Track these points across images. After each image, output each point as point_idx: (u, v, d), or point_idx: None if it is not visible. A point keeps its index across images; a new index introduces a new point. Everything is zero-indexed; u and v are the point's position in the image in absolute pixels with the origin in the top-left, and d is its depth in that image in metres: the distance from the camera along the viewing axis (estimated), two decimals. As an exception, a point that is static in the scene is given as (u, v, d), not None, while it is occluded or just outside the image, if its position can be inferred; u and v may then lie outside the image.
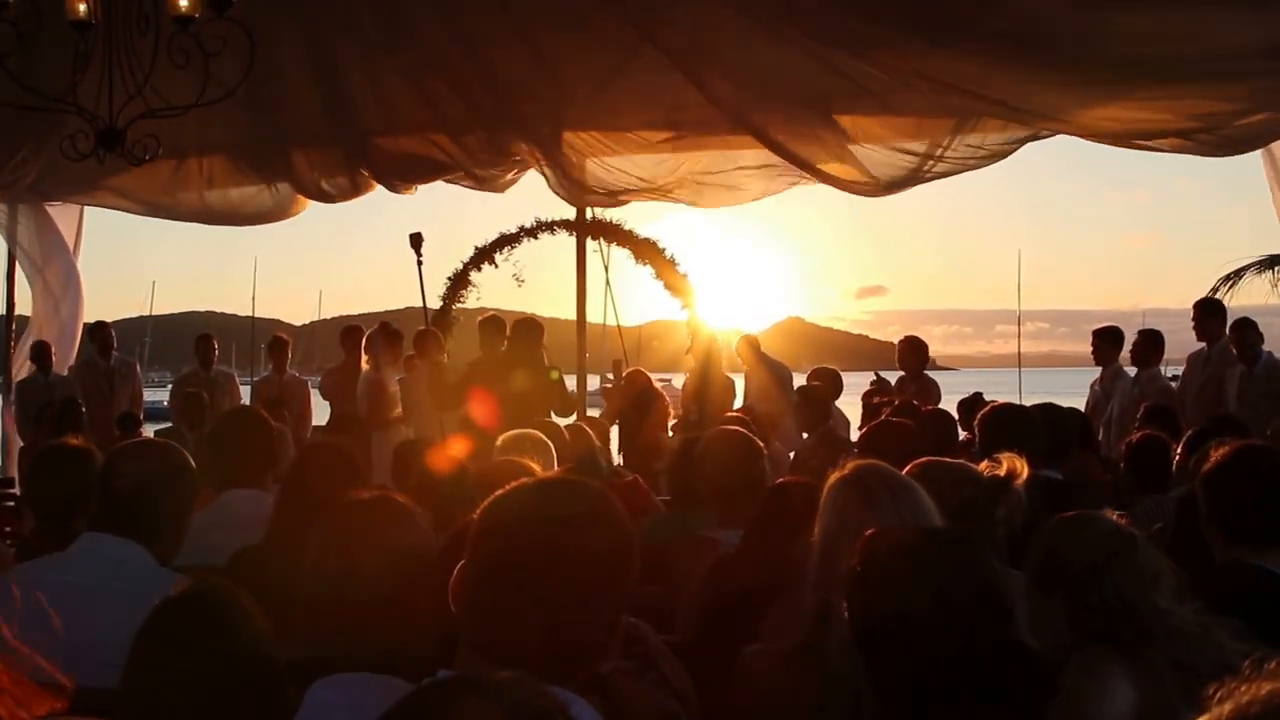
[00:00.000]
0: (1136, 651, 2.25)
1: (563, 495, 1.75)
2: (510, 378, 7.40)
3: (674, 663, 2.29)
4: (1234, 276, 12.09)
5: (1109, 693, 2.21)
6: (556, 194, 8.54)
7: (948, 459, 3.07)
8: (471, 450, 4.32)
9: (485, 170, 8.60)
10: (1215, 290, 10.80)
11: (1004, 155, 7.35)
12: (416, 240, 8.78)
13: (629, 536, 1.75)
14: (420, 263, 8.77)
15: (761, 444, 3.92)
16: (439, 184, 9.12)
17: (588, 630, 1.67)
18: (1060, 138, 7.22)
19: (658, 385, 8.96)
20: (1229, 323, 7.79)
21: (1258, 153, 7.21)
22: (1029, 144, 7.40)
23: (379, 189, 9.15)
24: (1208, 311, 7.98)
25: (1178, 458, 4.13)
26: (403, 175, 8.88)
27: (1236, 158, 7.01)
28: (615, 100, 7.84)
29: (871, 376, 8.67)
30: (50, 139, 7.12)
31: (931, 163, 7.34)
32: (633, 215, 9.61)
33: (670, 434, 8.50)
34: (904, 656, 1.85)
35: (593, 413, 9.24)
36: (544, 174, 8.34)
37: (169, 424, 9.81)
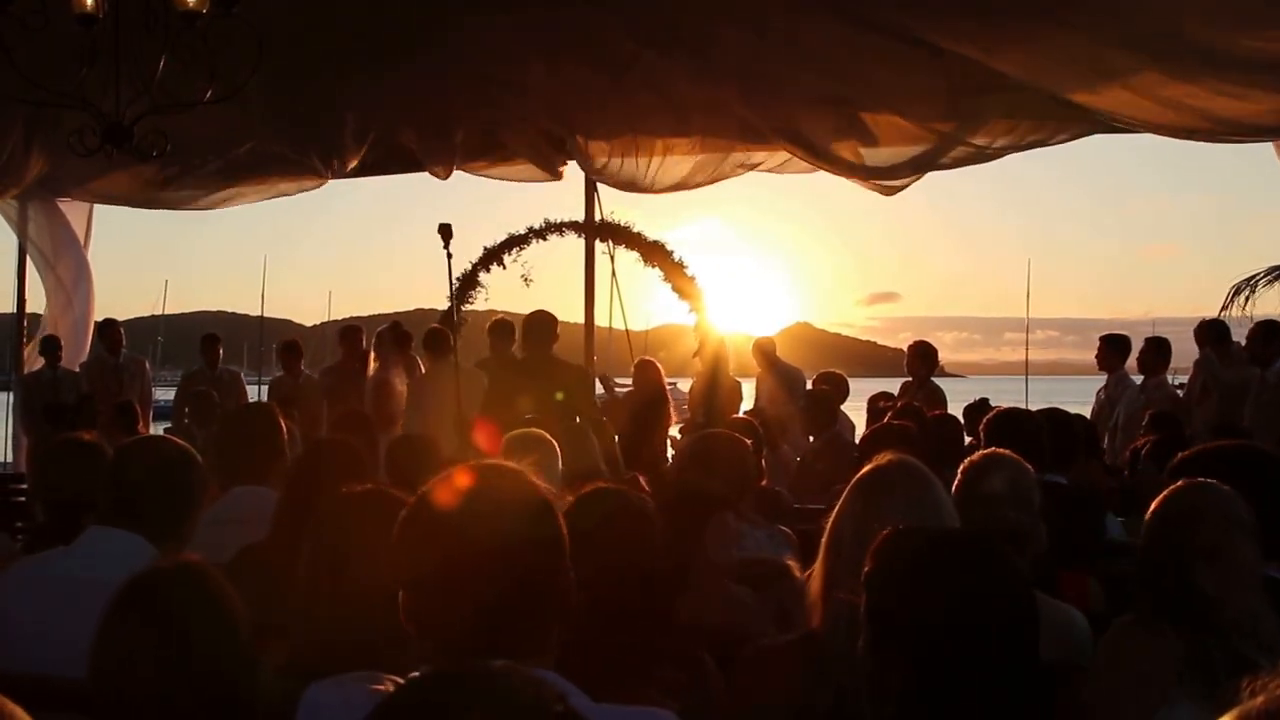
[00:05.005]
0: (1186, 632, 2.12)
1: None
2: (516, 403, 6.92)
3: (724, 691, 2.30)
4: (1245, 286, 11.98)
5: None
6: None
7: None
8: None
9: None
10: (1227, 304, 10.75)
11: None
12: (446, 232, 8.56)
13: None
14: (450, 254, 8.52)
15: (750, 442, 3.92)
16: (446, 183, 9.20)
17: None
18: (1067, 145, 7.26)
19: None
20: (1250, 328, 7.75)
21: (1269, 161, 7.19)
22: (1037, 149, 7.43)
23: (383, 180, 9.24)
24: (1213, 335, 7.98)
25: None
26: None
27: (1246, 167, 7.02)
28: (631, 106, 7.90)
29: (876, 383, 8.66)
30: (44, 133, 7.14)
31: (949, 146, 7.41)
32: (642, 218, 9.63)
33: (679, 436, 8.49)
34: (907, 661, 1.79)
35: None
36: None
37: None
